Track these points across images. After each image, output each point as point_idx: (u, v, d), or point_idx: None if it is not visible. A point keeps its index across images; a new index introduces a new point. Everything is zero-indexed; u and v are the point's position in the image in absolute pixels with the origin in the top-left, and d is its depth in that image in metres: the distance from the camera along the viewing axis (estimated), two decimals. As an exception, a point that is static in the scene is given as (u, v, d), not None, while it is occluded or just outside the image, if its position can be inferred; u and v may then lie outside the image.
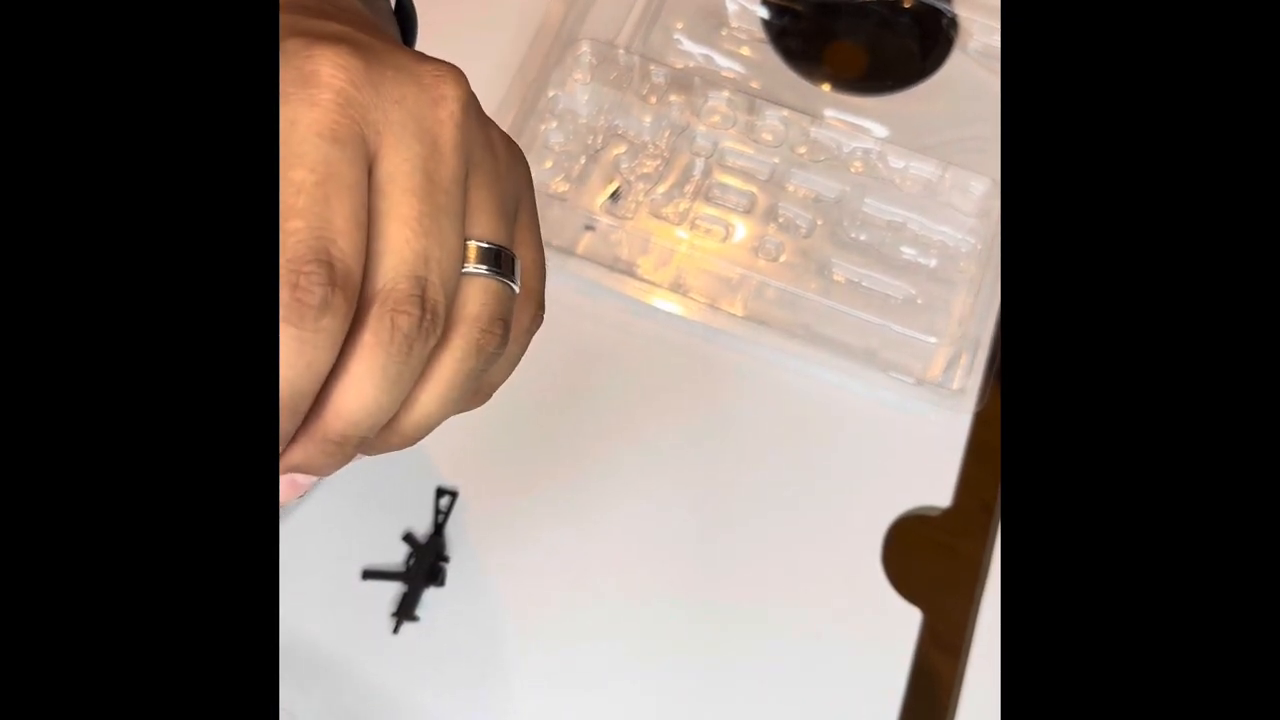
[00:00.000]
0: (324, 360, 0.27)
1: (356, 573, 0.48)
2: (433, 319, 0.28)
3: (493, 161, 0.31)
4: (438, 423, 0.30)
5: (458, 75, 0.30)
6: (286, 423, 0.27)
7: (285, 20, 0.30)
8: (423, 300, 0.28)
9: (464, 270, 0.29)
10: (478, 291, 0.29)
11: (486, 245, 0.30)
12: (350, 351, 0.27)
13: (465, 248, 0.29)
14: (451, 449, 0.50)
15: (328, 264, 0.27)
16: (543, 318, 0.33)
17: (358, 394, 0.28)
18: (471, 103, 0.30)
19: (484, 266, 0.30)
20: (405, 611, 0.47)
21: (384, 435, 0.30)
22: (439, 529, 0.48)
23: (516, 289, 0.31)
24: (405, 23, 0.39)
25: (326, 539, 0.48)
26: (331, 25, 0.30)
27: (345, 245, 0.27)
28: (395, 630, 0.47)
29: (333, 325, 0.27)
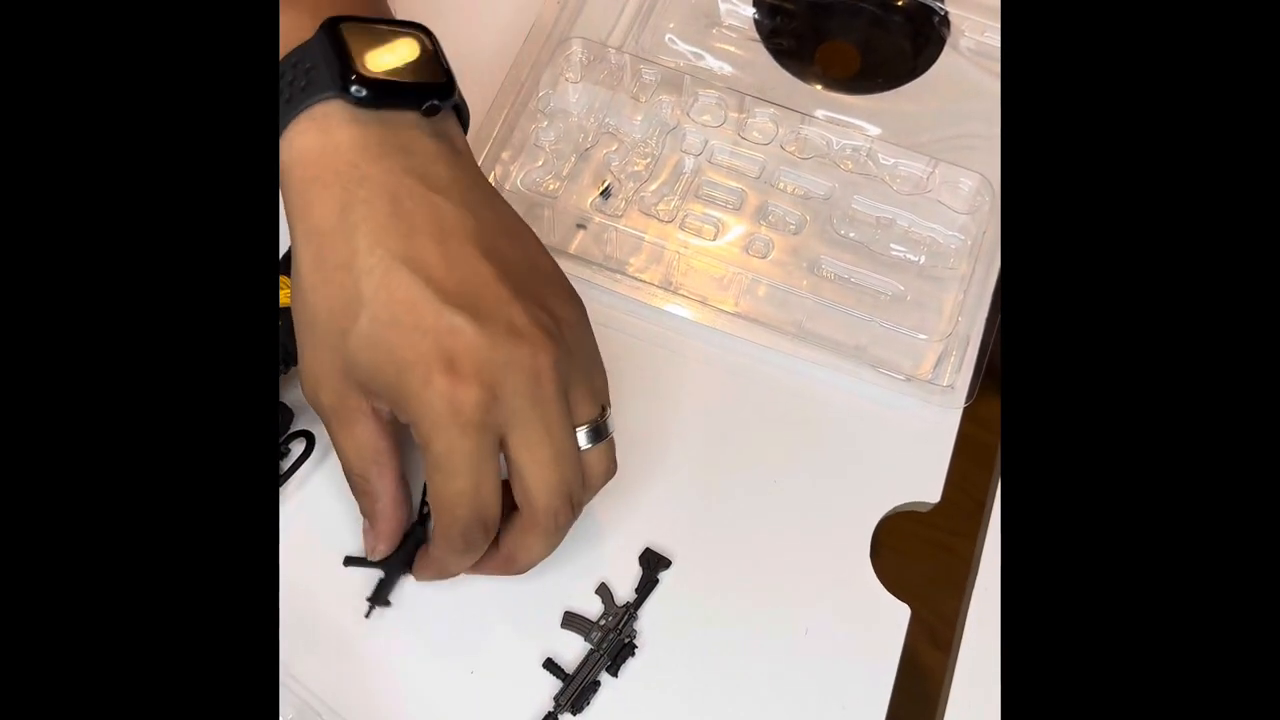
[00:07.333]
0: (476, 556, 0.44)
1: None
2: (578, 506, 0.43)
3: (576, 363, 0.42)
4: None
5: (549, 334, 0.41)
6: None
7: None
8: (570, 501, 0.43)
9: (583, 449, 0.43)
10: (594, 462, 0.44)
11: (590, 427, 0.43)
12: (527, 530, 0.43)
13: (577, 436, 0.43)
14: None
15: (483, 524, 0.42)
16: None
17: (529, 555, 0.44)
18: (563, 355, 0.41)
19: (593, 443, 0.43)
20: (379, 597, 0.47)
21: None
22: (423, 518, 0.48)
23: (612, 434, 0.45)
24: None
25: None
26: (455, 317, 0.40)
27: (492, 505, 0.41)
28: (367, 615, 0.47)
29: (483, 547, 0.43)
